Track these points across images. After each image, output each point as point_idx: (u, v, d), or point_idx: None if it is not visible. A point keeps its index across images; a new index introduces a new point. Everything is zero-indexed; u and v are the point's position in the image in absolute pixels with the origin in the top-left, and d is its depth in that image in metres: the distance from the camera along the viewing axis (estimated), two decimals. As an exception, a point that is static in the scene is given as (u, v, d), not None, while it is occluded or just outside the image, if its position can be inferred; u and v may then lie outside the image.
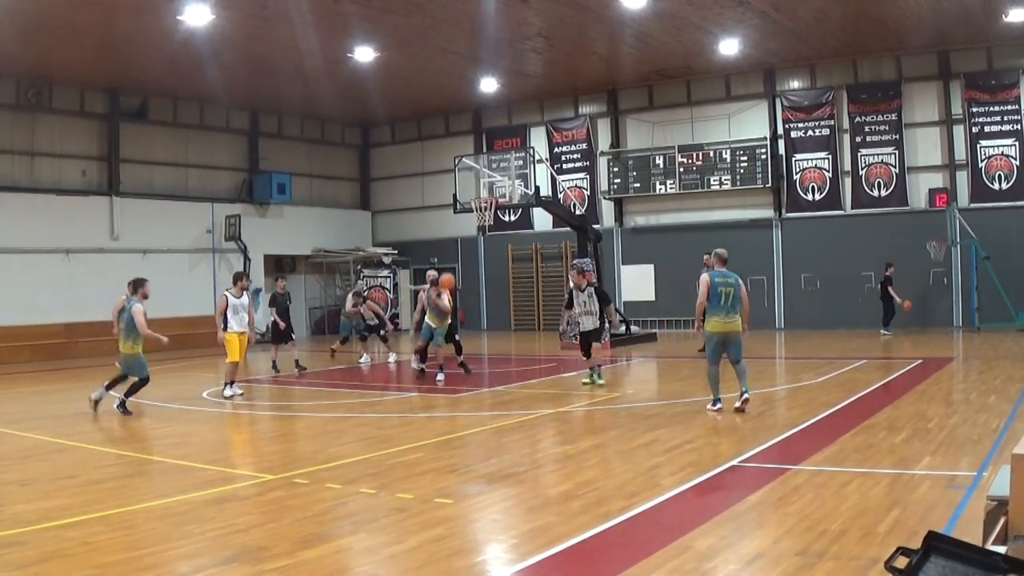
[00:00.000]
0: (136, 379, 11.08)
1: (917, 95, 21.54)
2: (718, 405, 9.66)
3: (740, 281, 9.68)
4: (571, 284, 13.24)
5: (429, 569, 4.69)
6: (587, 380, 12.63)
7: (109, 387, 11.20)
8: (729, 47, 20.17)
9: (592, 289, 12.81)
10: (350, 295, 17.75)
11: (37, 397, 13.50)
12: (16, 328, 19.14)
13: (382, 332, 17.58)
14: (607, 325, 13.41)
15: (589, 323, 12.71)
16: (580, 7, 17.34)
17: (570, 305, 13.02)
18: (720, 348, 9.67)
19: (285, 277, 18.10)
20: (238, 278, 12.56)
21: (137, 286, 11.02)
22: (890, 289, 19.87)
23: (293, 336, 16.23)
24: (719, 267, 9.76)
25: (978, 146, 20.80)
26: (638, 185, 24.42)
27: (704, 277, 9.64)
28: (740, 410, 9.53)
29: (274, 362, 16.06)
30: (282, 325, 15.85)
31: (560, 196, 25.00)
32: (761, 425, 8.91)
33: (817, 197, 22.61)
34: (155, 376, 16.30)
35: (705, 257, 17.85)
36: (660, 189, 24.09)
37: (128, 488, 6.95)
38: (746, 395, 9.63)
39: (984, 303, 20.37)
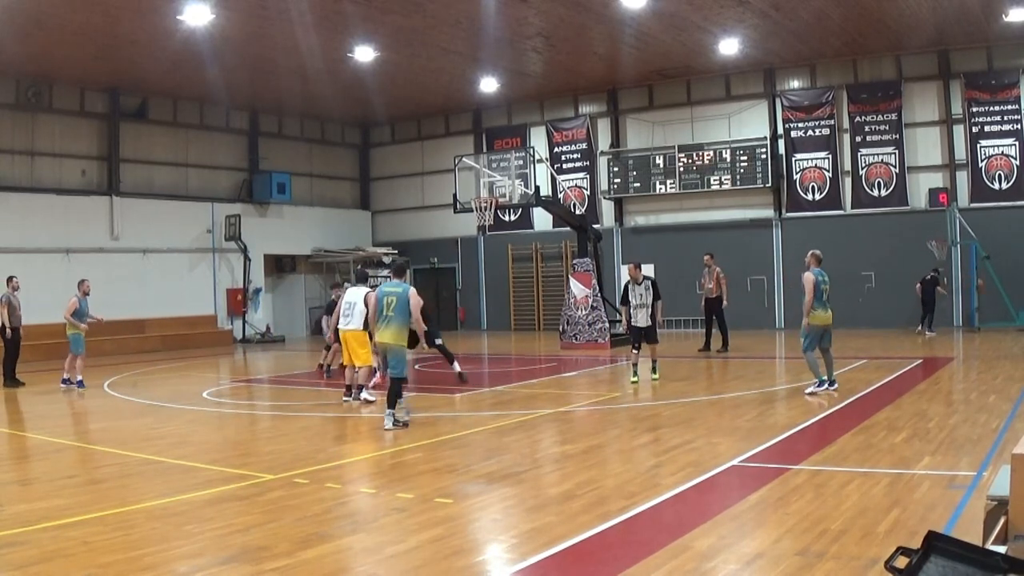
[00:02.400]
0: (397, 377, 9.50)
1: (917, 95, 21.54)
2: (826, 386, 10.58)
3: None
4: (625, 278, 13.32)
5: (429, 569, 4.69)
6: (655, 375, 13.08)
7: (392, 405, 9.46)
8: (729, 47, 20.16)
9: (649, 283, 12.80)
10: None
11: (37, 397, 13.48)
12: (16, 328, 19.12)
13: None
14: (660, 321, 13.26)
15: (643, 318, 12.75)
16: (580, 7, 17.34)
17: (626, 300, 12.99)
18: (818, 339, 10.73)
19: (341, 284, 15.71)
20: (402, 271, 10.24)
21: (403, 269, 10.07)
22: (940, 289, 19.85)
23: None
24: (816, 266, 10.69)
25: (978, 146, 20.80)
26: (638, 185, 24.42)
27: (809, 276, 10.52)
28: (833, 393, 10.60)
29: (328, 366, 15.05)
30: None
31: (560, 196, 25.00)
32: (761, 425, 8.91)
33: (817, 197, 22.61)
34: (154, 376, 16.38)
35: (706, 257, 17.91)
36: (660, 189, 24.08)
37: (128, 488, 6.94)
38: (835, 387, 10.83)
39: (984, 303, 20.37)
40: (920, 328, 19.83)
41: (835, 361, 14.24)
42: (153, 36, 17.97)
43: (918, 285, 19.97)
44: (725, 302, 17.43)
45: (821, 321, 10.62)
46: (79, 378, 14.23)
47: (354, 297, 11.42)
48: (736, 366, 15.22)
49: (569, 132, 25.90)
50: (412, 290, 9.60)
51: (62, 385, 14.17)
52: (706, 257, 17.84)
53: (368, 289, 11.57)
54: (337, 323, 11.87)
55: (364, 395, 11.47)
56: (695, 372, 14.66)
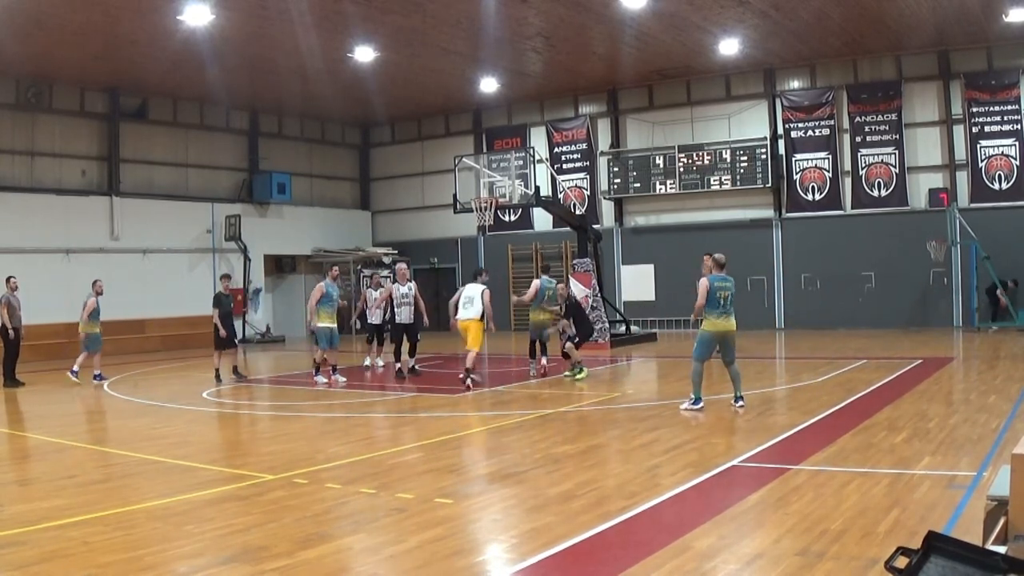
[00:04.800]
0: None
1: (917, 95, 21.54)
2: (700, 404, 9.86)
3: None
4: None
5: (429, 569, 4.69)
6: (569, 374, 13.85)
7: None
8: (729, 47, 20.16)
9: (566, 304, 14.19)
10: (375, 292, 16.33)
11: (37, 397, 13.49)
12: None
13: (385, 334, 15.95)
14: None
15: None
16: (580, 7, 17.34)
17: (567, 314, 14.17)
18: (712, 347, 10.05)
19: (229, 277, 16.08)
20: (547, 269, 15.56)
21: (548, 268, 15.05)
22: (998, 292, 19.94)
23: (236, 342, 15.20)
24: (716, 272, 10.22)
25: (978, 146, 20.80)
26: (638, 185, 24.42)
27: (703, 281, 10.07)
28: (738, 411, 9.79)
29: (217, 371, 14.65)
30: (223, 332, 14.49)
31: (560, 196, 25.00)
32: (761, 425, 8.91)
33: (817, 197, 22.61)
34: (154, 376, 16.39)
35: (704, 257, 17.86)
36: (660, 189, 24.09)
37: (128, 488, 6.95)
38: (742, 404, 9.96)
39: (984, 303, 20.38)
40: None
41: (832, 362, 14.30)
42: (153, 36, 17.97)
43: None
44: None
45: (716, 328, 9.97)
46: (98, 371, 15.05)
47: (474, 292, 13.15)
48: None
49: (569, 132, 25.89)
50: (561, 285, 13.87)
51: (94, 381, 14.81)
52: (705, 257, 17.77)
53: (483, 286, 13.20)
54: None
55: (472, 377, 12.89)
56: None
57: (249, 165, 26.55)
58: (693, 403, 9.92)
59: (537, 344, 14.23)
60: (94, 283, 15.38)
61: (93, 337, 15.00)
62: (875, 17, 18.51)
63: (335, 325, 13.90)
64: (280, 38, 18.32)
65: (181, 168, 24.91)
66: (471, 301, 13.03)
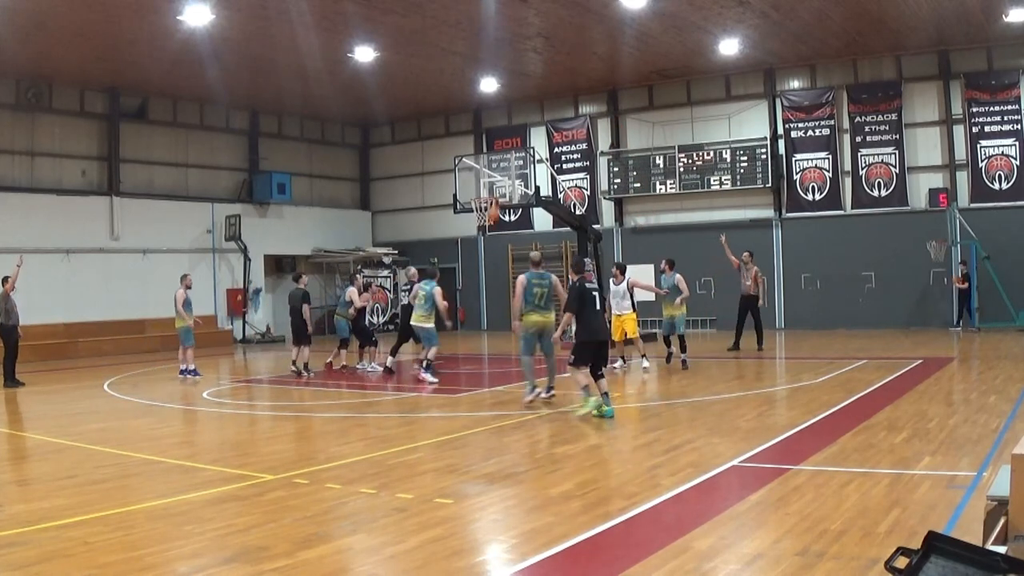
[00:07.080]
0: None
1: (917, 95, 21.54)
2: (536, 391, 10.60)
3: (555, 280, 11.08)
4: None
5: (429, 569, 4.69)
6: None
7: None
8: (729, 47, 20.17)
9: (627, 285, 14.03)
10: (351, 288, 16.15)
11: (37, 397, 13.49)
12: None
13: (374, 338, 16.46)
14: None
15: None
16: (580, 7, 17.34)
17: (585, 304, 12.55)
18: (535, 341, 10.75)
19: (303, 278, 16.91)
20: (622, 269, 15.13)
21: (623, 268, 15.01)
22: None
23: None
24: (533, 269, 10.93)
25: (978, 146, 20.80)
26: (638, 185, 24.42)
27: (520, 278, 10.78)
28: (548, 400, 10.61)
29: (297, 363, 15.11)
30: (310, 328, 15.17)
31: (560, 196, 24.99)
32: (761, 425, 8.91)
33: (817, 197, 22.61)
34: (154, 376, 16.39)
35: (744, 255, 17.76)
36: (660, 189, 24.09)
37: (128, 488, 6.95)
38: (552, 391, 10.74)
39: (984, 303, 20.37)
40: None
41: (832, 362, 14.30)
42: (153, 36, 17.97)
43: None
44: (762, 301, 17.58)
45: (532, 324, 10.66)
46: (192, 367, 15.10)
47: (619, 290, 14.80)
48: (736, 366, 15.24)
49: (569, 132, 25.89)
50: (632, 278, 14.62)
51: (179, 376, 15.02)
52: (745, 255, 17.76)
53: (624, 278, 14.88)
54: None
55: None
56: (695, 372, 14.64)
57: (249, 165, 26.55)
58: (531, 391, 10.61)
59: (671, 337, 15.14)
60: (183, 277, 15.53)
61: (183, 331, 15.20)
62: (875, 17, 18.52)
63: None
64: (280, 38, 18.32)
65: (181, 168, 24.92)
66: (624, 297, 14.65)
